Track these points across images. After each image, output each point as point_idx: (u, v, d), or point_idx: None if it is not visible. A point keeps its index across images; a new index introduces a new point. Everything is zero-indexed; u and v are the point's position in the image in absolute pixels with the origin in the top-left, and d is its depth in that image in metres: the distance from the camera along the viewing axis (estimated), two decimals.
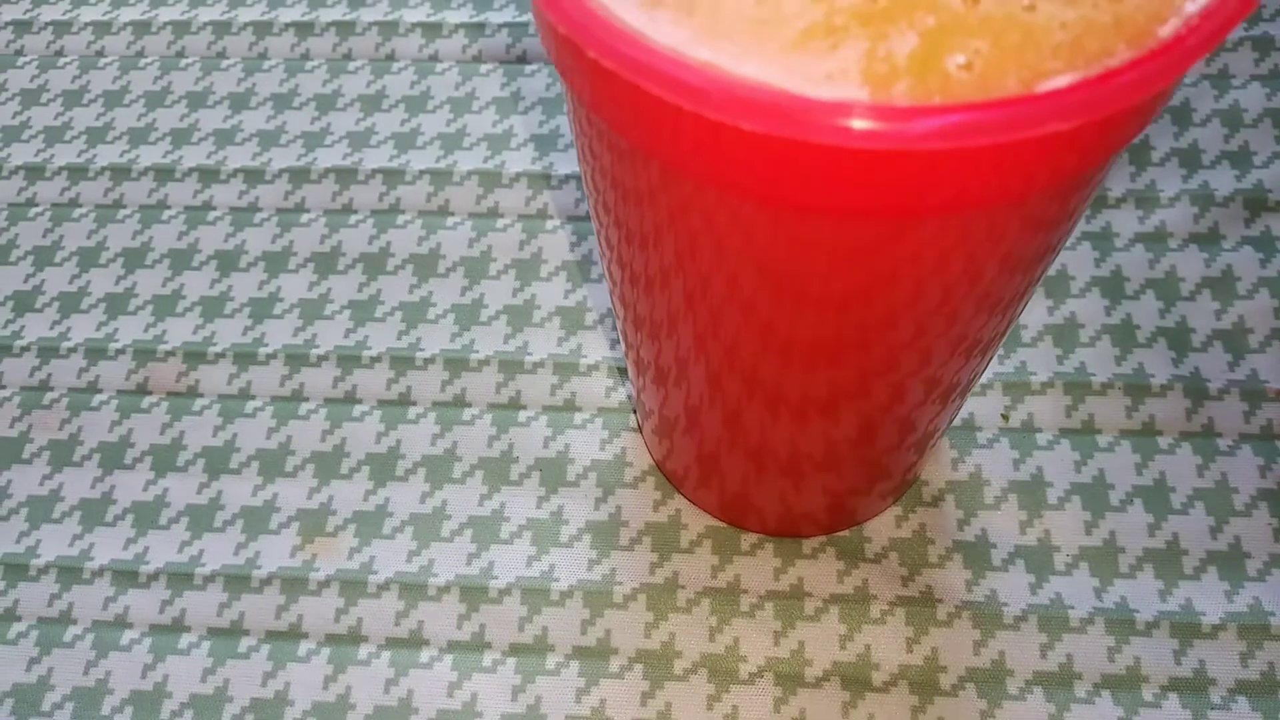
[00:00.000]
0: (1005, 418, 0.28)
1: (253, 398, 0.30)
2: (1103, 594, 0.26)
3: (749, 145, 0.13)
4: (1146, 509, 0.27)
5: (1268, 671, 0.25)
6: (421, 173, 0.33)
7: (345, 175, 0.33)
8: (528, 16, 0.36)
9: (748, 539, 0.27)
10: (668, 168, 0.15)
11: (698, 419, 0.24)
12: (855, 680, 0.25)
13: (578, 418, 0.29)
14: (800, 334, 0.18)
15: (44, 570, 0.28)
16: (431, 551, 0.27)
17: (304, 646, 0.26)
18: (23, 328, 0.31)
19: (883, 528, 0.27)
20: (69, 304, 0.32)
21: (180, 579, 0.27)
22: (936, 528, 0.27)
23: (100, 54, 0.37)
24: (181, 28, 0.37)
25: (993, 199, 0.14)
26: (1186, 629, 0.25)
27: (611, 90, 0.14)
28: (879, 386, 0.20)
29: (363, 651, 0.26)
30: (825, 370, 0.19)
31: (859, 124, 0.12)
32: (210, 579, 0.27)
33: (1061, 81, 0.13)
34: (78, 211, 0.33)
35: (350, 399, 0.30)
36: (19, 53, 0.37)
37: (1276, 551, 0.26)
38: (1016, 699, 0.25)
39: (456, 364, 0.30)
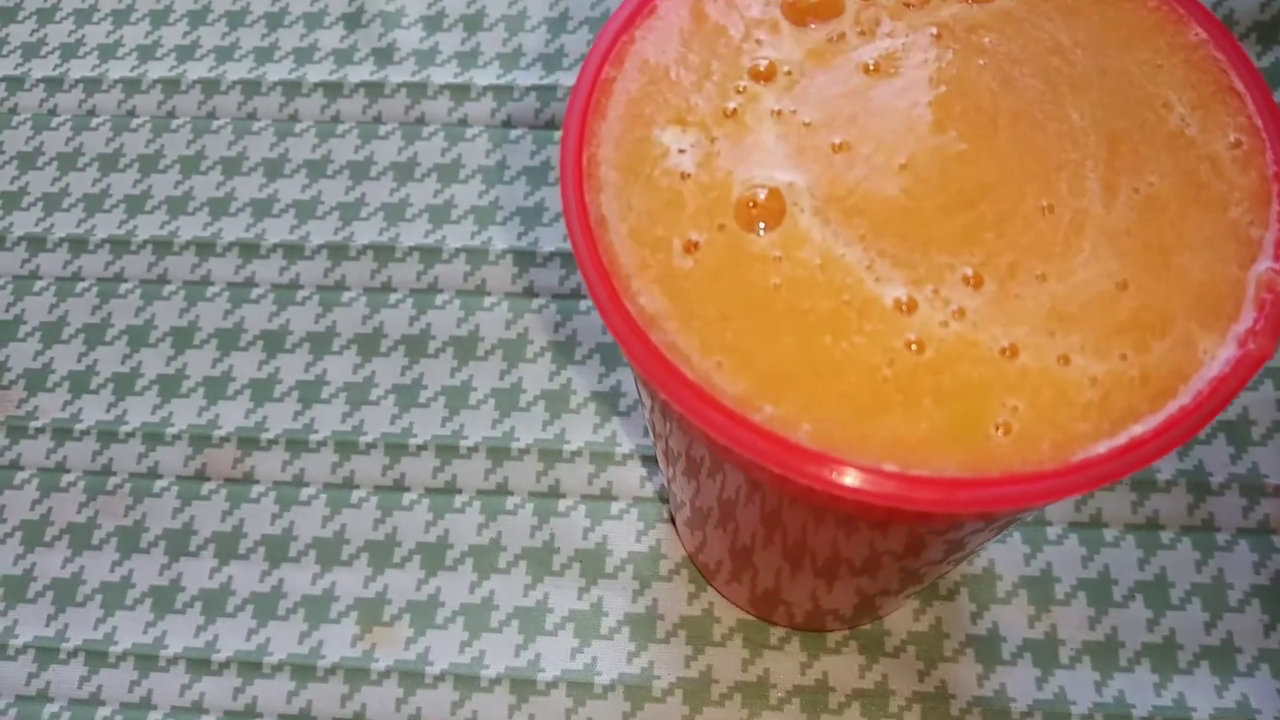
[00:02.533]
0: None
1: (306, 485, 0.32)
2: (1103, 688, 0.28)
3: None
4: (1147, 604, 0.29)
5: None
6: (458, 250, 0.34)
7: (383, 252, 0.34)
8: (555, 79, 0.37)
9: (776, 633, 0.29)
10: (725, 459, 0.17)
11: (731, 513, 0.26)
12: None
13: (614, 507, 0.31)
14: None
15: (122, 657, 0.30)
16: (482, 642, 0.29)
17: None
18: (81, 410, 0.33)
19: (901, 621, 0.29)
20: (123, 386, 0.33)
21: (250, 667, 0.29)
22: (951, 621, 0.29)
23: (131, 114, 0.37)
24: (211, 86, 0.38)
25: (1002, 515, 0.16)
26: None
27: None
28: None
29: None
30: None
31: (902, 492, 0.14)
32: (278, 668, 0.29)
33: (1092, 450, 0.14)
34: (124, 287, 0.35)
35: (399, 487, 0.31)
36: (52, 112, 0.38)
37: (1266, 647, 0.28)
38: None
39: (499, 452, 0.32)
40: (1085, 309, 0.15)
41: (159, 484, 0.32)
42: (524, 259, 0.34)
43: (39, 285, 0.35)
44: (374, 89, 0.37)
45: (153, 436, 0.32)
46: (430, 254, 0.34)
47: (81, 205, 0.36)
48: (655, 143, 0.16)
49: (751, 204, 0.16)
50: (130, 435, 0.33)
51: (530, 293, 0.34)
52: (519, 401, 0.32)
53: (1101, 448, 0.14)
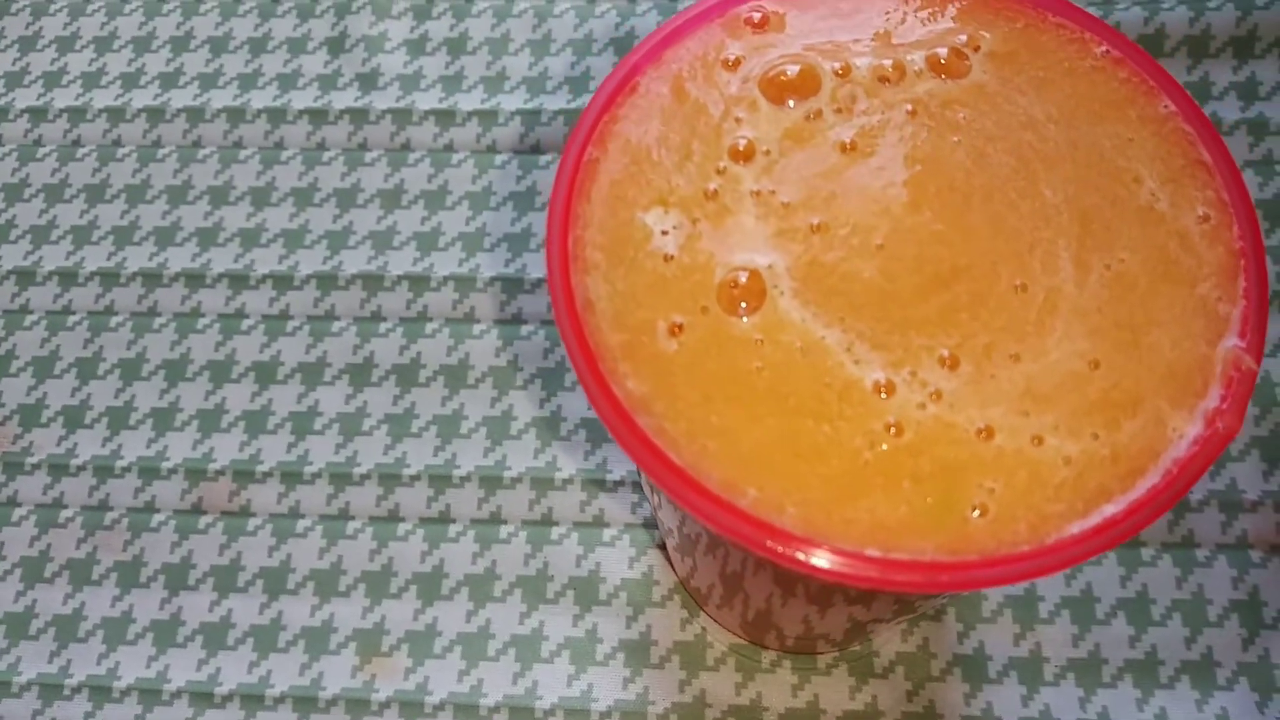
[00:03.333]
0: None
1: (302, 516, 0.32)
2: (1087, 704, 0.29)
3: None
4: (1129, 621, 0.30)
5: None
6: (446, 279, 0.35)
7: (372, 281, 0.35)
8: (539, 102, 0.37)
9: (767, 656, 0.30)
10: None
11: (720, 540, 0.27)
12: None
13: (606, 534, 0.31)
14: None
15: (126, 692, 0.30)
16: (480, 671, 0.30)
17: None
18: (76, 445, 0.33)
19: (890, 642, 0.30)
20: (118, 420, 0.34)
21: (252, 700, 0.30)
22: (938, 641, 0.30)
23: (117, 144, 0.37)
24: (196, 114, 0.38)
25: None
26: None
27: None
28: None
29: None
30: None
31: (885, 576, 0.14)
32: (280, 700, 0.30)
33: (1066, 531, 0.15)
34: (114, 320, 0.35)
35: (394, 517, 0.32)
36: (37, 143, 0.38)
37: (1245, 660, 0.29)
38: None
39: (491, 481, 0.32)
40: (1058, 388, 0.15)
41: (156, 518, 0.32)
42: (512, 286, 0.34)
43: (29, 320, 0.35)
44: (359, 115, 0.37)
45: (149, 471, 0.33)
46: (419, 282, 0.35)
47: (70, 238, 0.36)
48: (639, 225, 0.17)
49: (733, 286, 0.16)
50: (126, 470, 0.33)
51: (519, 320, 0.34)
52: (510, 429, 0.33)
53: (1075, 528, 0.15)
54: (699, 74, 0.18)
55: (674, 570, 0.31)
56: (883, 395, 0.15)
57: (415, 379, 0.34)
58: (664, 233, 0.17)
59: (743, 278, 0.16)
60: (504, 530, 0.32)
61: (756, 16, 0.18)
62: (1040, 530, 0.15)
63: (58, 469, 0.33)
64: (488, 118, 0.37)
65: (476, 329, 0.34)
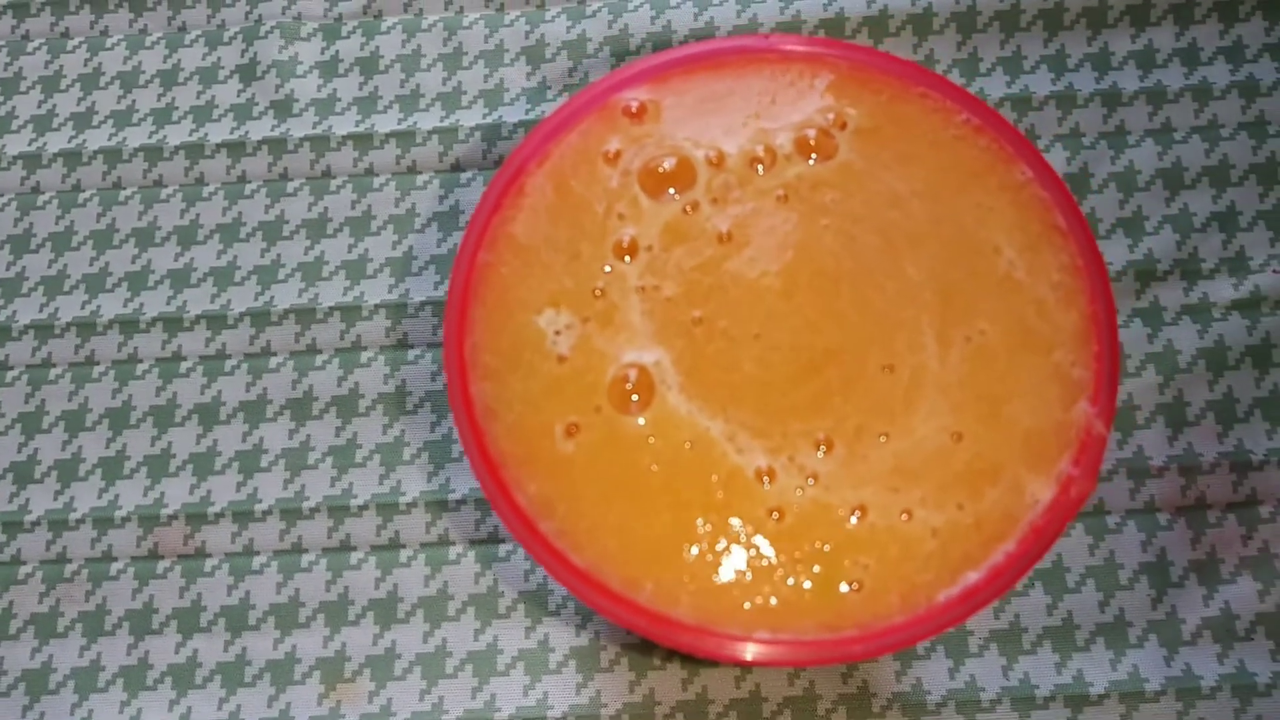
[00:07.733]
0: None
1: (257, 553, 0.33)
2: (1009, 672, 0.31)
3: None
4: (1046, 590, 0.32)
5: None
6: (377, 307, 0.35)
7: (304, 314, 0.35)
8: (456, 119, 0.37)
9: None
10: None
11: None
12: None
13: None
14: None
15: None
16: (440, 689, 0.32)
17: None
18: (28, 500, 0.34)
19: None
20: (67, 472, 0.34)
21: None
22: None
23: (36, 190, 0.37)
24: (113, 155, 0.37)
25: None
26: (1077, 699, 0.31)
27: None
28: None
29: None
30: None
31: (772, 656, 0.16)
32: None
33: (935, 599, 0.16)
34: (53, 372, 0.35)
35: (346, 547, 0.33)
36: None
37: (1153, 619, 0.31)
38: None
39: (436, 505, 0.33)
40: (925, 463, 0.17)
41: (114, 566, 0.33)
42: (441, 309, 0.35)
43: None
44: (277, 145, 0.37)
45: (102, 521, 0.34)
46: (350, 312, 0.35)
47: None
48: (533, 327, 0.18)
49: (624, 383, 0.17)
50: (80, 522, 0.34)
51: None
52: (452, 453, 0.34)
53: (942, 596, 0.16)
54: (581, 169, 0.18)
55: None
56: (765, 482, 0.16)
57: (355, 409, 0.34)
58: (557, 333, 0.17)
59: (632, 375, 0.17)
60: (453, 552, 0.33)
61: (634, 105, 0.19)
62: (911, 600, 0.16)
63: (12, 526, 0.34)
64: (405, 138, 0.37)
65: (411, 354, 0.35)
